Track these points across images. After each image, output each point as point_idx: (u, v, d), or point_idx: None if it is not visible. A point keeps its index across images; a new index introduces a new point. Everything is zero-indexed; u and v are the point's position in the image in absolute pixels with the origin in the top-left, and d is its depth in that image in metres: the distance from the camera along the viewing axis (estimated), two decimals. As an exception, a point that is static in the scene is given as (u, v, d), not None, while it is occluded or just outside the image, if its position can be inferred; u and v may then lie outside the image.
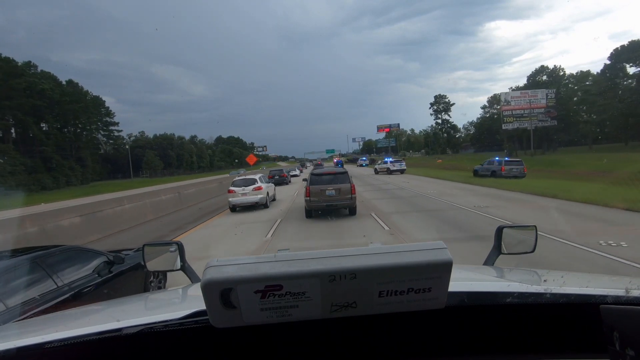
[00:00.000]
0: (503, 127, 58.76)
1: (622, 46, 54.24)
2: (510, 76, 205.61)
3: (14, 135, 54.19)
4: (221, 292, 0.60)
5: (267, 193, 14.27)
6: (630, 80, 54.41)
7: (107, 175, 72.82)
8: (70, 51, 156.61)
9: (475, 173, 23.24)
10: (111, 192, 34.87)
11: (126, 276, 4.11)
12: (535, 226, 1.56)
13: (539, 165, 30.20)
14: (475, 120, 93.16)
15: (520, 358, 0.85)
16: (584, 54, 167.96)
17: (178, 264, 1.55)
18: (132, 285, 4.24)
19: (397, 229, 8.37)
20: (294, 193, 19.08)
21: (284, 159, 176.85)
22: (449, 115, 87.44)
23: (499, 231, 1.49)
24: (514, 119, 56.90)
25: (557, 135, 64.17)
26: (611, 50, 55.98)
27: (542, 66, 69.34)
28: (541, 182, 17.27)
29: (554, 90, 58.11)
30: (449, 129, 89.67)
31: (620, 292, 0.81)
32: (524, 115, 56.27)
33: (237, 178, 14.65)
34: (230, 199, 13.32)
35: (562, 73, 66.92)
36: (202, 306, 0.67)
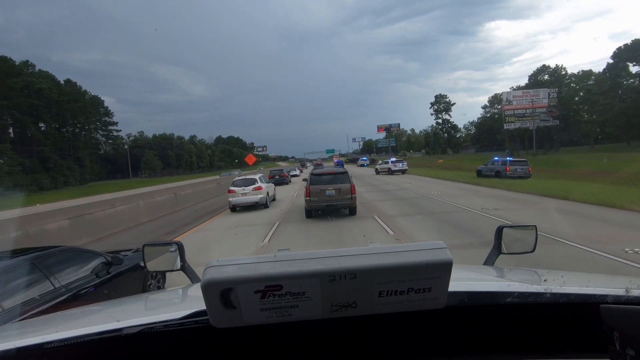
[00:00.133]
0: (505, 127, 58.27)
1: (625, 45, 53.73)
2: (510, 76, 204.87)
3: (11, 135, 53.76)
4: (221, 292, 0.61)
5: (267, 193, 14.26)
6: (632, 80, 53.89)
7: (106, 175, 72.37)
8: (70, 51, 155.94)
9: (479, 173, 22.75)
10: (109, 192, 34.47)
11: (124, 277, 4.07)
12: (535, 226, 1.53)
13: (542, 165, 29.72)
14: (475, 120, 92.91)
15: (520, 358, 0.84)
16: (584, 54, 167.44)
17: (178, 264, 1.55)
18: (131, 287, 4.19)
19: (403, 233, 7.89)
20: (293, 194, 18.63)
21: (284, 159, 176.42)
22: (449, 115, 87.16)
23: (499, 231, 1.48)
24: (516, 118, 56.40)
25: (558, 135, 63.69)
26: (614, 50, 55.50)
27: (544, 65, 68.98)
28: (547, 182, 16.82)
29: (556, 89, 57.66)
30: (450, 129, 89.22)
31: (620, 292, 0.81)
32: (526, 114, 55.79)
33: (237, 178, 14.61)
34: (230, 199, 13.33)
35: (563, 72, 66.50)
36: (202, 306, 0.68)
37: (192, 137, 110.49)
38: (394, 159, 34.23)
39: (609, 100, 53.04)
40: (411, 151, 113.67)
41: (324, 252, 0.63)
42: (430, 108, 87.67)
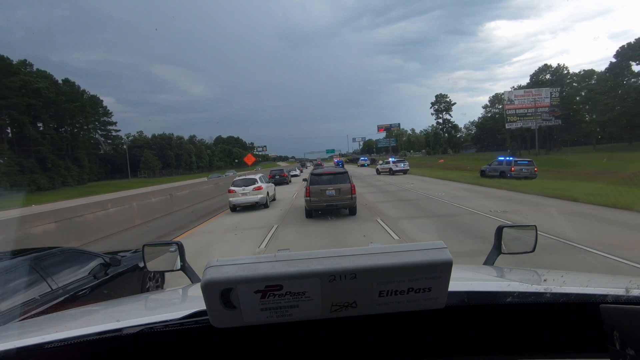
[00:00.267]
0: (507, 127, 57.79)
1: (629, 44, 53.13)
2: (510, 76, 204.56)
3: (9, 134, 53.28)
4: (221, 292, 0.61)
5: (267, 193, 14.20)
6: (635, 79, 53.29)
7: (105, 175, 71.88)
8: (69, 51, 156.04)
9: (483, 173, 22.26)
10: (107, 192, 34.07)
11: (123, 278, 4.01)
12: (535, 226, 1.52)
13: (545, 165, 29.22)
14: (476, 119, 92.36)
15: (520, 358, 0.84)
16: (584, 53, 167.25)
17: (178, 264, 1.55)
18: (129, 288, 4.13)
19: (409, 238, 7.43)
20: (293, 195, 18.21)
21: (284, 159, 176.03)
22: (450, 114, 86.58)
23: (499, 231, 1.47)
24: (518, 118, 55.91)
25: (559, 134, 63.20)
26: (617, 48, 54.86)
27: (546, 65, 68.47)
28: (554, 183, 16.39)
29: (558, 89, 57.16)
30: (450, 129, 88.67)
31: (620, 292, 0.81)
32: (528, 114, 55.31)
33: (237, 178, 14.53)
34: (230, 199, 13.29)
35: (565, 72, 65.97)
36: (202, 306, 0.68)
37: (192, 137, 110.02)
38: (395, 159, 33.57)
39: (611, 99, 52.47)
40: (411, 151, 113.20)
41: (324, 252, 0.63)
42: (431, 108, 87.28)
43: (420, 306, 0.67)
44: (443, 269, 0.63)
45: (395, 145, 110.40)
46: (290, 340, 0.82)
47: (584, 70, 64.23)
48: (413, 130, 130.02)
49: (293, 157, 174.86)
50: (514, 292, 0.87)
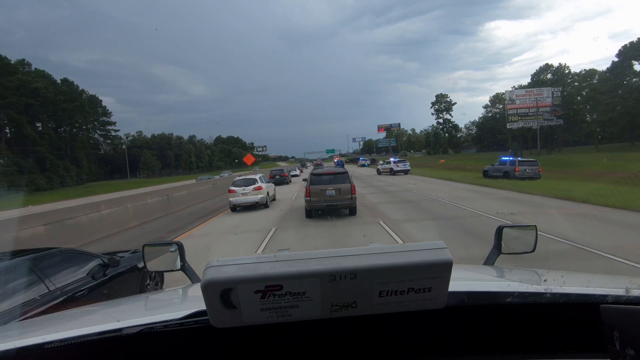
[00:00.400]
0: (508, 126, 57.42)
1: (631, 43, 52.70)
2: (511, 76, 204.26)
3: (7, 134, 52.89)
4: (221, 292, 0.61)
5: (267, 193, 14.16)
6: (637, 79, 52.88)
7: (104, 175, 71.50)
8: (69, 51, 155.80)
9: (485, 174, 21.91)
10: (105, 193, 33.76)
11: (121, 279, 4.00)
12: (535, 226, 1.51)
13: (548, 165, 28.87)
14: (476, 119, 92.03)
15: (520, 358, 0.84)
16: (584, 53, 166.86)
17: (178, 264, 1.54)
18: (128, 289, 4.11)
19: (414, 242, 7.08)
20: (292, 195, 17.87)
21: (284, 159, 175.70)
22: (450, 114, 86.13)
23: (499, 231, 1.46)
24: (519, 117, 55.54)
25: (560, 134, 62.84)
26: (619, 48, 54.33)
27: (547, 64, 67.93)
28: (559, 183, 16.05)
29: (560, 88, 56.78)
30: (451, 129, 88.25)
31: (620, 292, 0.81)
32: (529, 114, 54.94)
33: (237, 178, 14.41)
34: (230, 199, 13.27)
35: (567, 71, 65.55)
36: (202, 306, 0.68)
37: (192, 137, 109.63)
38: (396, 159, 33.21)
39: (612, 99, 52.08)
40: (412, 151, 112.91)
41: (324, 252, 0.63)
42: (431, 108, 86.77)
43: (420, 306, 0.67)
44: (443, 269, 0.63)
45: (396, 145, 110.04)
46: (290, 340, 0.81)
47: (585, 69, 63.92)
48: (413, 130, 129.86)
49: (293, 157, 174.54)
50: (514, 292, 0.87)
